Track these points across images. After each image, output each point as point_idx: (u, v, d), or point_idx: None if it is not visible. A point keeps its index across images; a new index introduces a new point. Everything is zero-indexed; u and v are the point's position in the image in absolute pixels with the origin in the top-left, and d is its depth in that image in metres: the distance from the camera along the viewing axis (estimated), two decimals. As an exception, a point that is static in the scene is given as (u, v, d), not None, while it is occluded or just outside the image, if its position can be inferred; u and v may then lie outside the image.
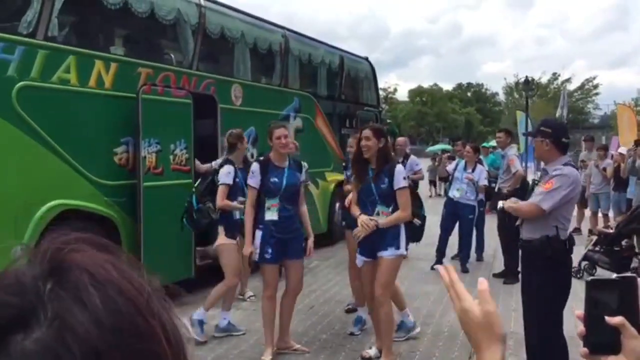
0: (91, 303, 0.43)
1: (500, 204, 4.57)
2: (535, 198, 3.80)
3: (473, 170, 8.35)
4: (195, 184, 5.57)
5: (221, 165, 5.33)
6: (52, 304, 0.43)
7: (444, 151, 18.98)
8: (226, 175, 5.15)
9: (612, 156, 11.26)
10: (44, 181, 5.21)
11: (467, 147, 8.83)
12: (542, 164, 4.26)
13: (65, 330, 0.42)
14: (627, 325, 1.01)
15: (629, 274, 1.09)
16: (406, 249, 4.73)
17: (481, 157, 9.43)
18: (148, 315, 0.46)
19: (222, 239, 5.20)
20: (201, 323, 5.11)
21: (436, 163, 16.81)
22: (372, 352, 4.78)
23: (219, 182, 5.16)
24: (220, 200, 5.10)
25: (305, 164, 4.87)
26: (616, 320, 1.01)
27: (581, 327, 1.06)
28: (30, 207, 5.02)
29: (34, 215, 5.02)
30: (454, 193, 8.32)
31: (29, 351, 0.41)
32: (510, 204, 4.11)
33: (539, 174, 4.26)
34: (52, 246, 0.47)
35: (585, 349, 1.05)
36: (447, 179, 9.41)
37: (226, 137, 5.58)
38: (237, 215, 5.19)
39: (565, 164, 3.87)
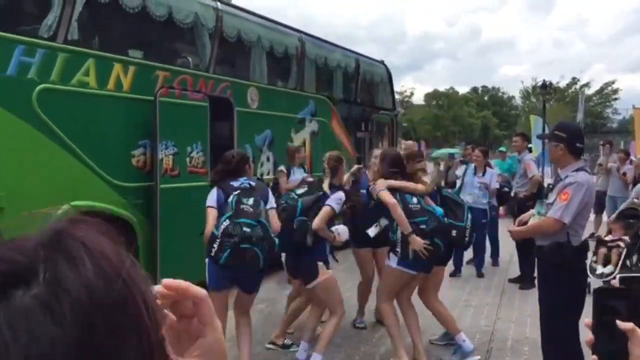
0: (85, 269, 0.49)
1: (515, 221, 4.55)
2: (556, 213, 3.75)
3: (483, 174, 8.29)
4: (299, 192, 4.74)
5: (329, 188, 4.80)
6: (49, 266, 0.49)
7: (452, 155, 18.52)
8: (338, 201, 4.61)
9: (631, 161, 11.15)
10: (63, 182, 5.27)
11: (477, 152, 8.79)
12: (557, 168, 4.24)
13: (60, 290, 0.48)
14: (635, 332, 1.01)
15: (635, 274, 1.09)
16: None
17: (491, 161, 9.37)
18: (131, 286, 0.52)
19: (324, 272, 4.61)
20: None
21: (440, 168, 16.25)
22: None
23: (326, 204, 4.56)
24: (322, 222, 4.48)
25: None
26: (627, 325, 1.01)
27: (590, 336, 1.06)
28: (49, 207, 5.08)
29: (52, 216, 5.08)
30: (466, 198, 8.25)
31: (26, 305, 0.47)
32: (518, 228, 4.14)
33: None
34: (56, 221, 0.54)
35: (595, 357, 1.05)
36: (454, 185, 9.29)
37: (326, 162, 4.99)
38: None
39: (578, 169, 3.85)
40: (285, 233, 4.41)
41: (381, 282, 4.91)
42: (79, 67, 5.43)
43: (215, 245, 4.12)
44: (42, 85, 5.08)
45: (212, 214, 4.25)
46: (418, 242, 4.43)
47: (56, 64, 5.21)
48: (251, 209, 4.21)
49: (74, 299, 0.47)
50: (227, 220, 4.16)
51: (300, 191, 4.73)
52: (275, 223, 4.31)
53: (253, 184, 4.42)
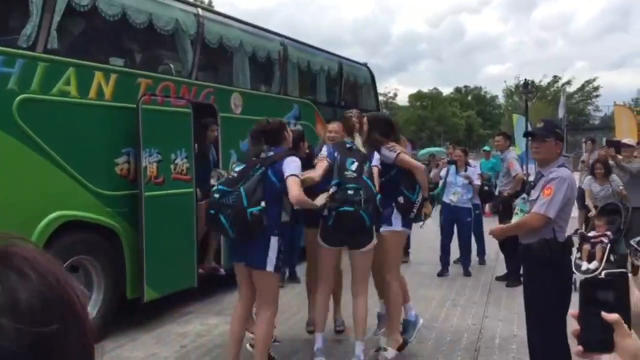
0: (32, 280, 0.62)
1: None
2: (540, 208, 3.79)
3: (465, 172, 8.41)
4: (353, 168, 4.47)
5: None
6: (2, 279, 0.60)
7: (432, 155, 18.46)
8: (378, 160, 4.74)
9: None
10: (47, 193, 5.22)
11: (457, 151, 8.89)
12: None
13: (15, 297, 0.60)
14: (621, 323, 1.02)
15: (620, 270, 1.11)
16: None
17: (474, 161, 9.49)
18: (68, 288, 0.65)
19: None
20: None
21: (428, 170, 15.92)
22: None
23: (373, 165, 4.62)
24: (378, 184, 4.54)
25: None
26: (612, 317, 1.02)
27: (576, 326, 1.07)
28: (33, 218, 5.04)
29: (36, 226, 5.04)
30: (451, 198, 8.33)
31: None
32: (501, 226, 4.20)
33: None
34: None
35: (580, 347, 1.07)
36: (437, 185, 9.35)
37: (362, 120, 4.98)
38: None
39: (559, 166, 3.91)
40: (372, 214, 4.32)
41: (389, 253, 4.78)
42: (59, 76, 5.38)
43: None
44: (22, 96, 5.03)
45: None
46: (429, 206, 4.95)
47: (36, 74, 5.16)
48: (235, 175, 4.14)
49: (28, 303, 0.60)
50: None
51: (353, 168, 4.48)
52: (292, 192, 3.99)
53: (271, 153, 4.22)
